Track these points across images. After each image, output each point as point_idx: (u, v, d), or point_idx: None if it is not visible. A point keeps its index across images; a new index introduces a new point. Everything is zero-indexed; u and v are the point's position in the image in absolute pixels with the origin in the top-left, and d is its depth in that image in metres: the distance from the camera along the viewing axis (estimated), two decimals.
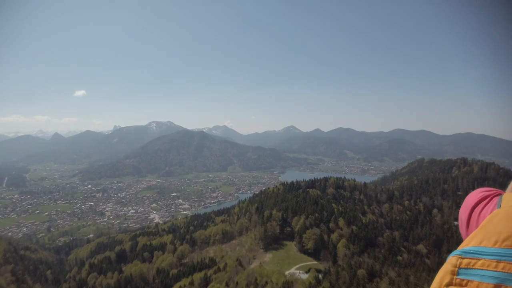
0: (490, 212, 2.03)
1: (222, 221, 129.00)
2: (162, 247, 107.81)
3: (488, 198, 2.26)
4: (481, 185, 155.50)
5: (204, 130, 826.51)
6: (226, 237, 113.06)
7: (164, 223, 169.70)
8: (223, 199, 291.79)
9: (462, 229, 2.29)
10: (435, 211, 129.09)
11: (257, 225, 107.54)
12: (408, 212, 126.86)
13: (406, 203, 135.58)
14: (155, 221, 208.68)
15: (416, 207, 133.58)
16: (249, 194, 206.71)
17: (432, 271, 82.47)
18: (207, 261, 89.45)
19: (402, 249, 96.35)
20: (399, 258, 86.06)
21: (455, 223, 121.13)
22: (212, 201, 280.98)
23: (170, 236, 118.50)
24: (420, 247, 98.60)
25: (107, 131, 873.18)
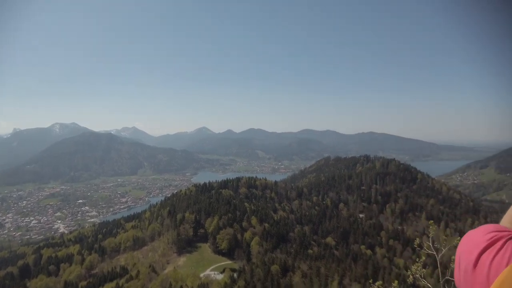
0: (507, 264, 2.20)
1: (133, 227, 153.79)
2: (69, 259, 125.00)
3: (501, 242, 2.54)
4: (382, 180, 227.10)
5: (112, 132, 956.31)
6: (138, 243, 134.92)
7: (70, 232, 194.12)
8: (133, 204, 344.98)
9: (462, 272, 2.60)
10: (341, 205, 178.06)
11: (169, 229, 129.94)
12: (316, 208, 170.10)
13: (315, 199, 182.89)
14: (60, 231, 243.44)
15: (324, 202, 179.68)
16: (160, 198, 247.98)
17: (341, 262, 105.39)
18: (118, 270, 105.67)
19: (312, 242, 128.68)
20: (310, 251, 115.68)
21: (360, 215, 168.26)
22: (122, 207, 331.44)
23: (77, 246, 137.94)
24: (329, 239, 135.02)
25: (6, 134, 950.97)
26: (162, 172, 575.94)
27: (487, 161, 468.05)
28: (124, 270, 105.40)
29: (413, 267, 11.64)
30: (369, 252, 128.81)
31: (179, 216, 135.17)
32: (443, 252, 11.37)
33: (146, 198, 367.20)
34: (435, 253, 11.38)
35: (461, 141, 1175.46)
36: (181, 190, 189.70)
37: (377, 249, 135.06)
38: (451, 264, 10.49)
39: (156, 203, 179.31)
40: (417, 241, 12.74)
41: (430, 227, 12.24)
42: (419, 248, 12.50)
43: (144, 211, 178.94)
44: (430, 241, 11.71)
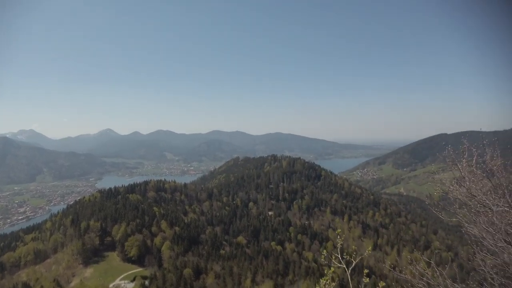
0: None
1: (33, 239, 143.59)
2: None
3: None
4: (289, 178, 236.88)
5: (8, 136, 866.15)
6: (39, 256, 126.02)
7: None
8: (32, 214, 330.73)
9: None
10: (251, 204, 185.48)
11: (73, 239, 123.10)
12: (227, 208, 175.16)
13: (225, 199, 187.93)
14: None
15: (234, 202, 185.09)
16: (62, 206, 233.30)
17: (253, 259, 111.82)
18: (20, 286, 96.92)
19: (224, 243, 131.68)
20: (222, 251, 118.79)
21: (269, 213, 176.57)
22: (20, 218, 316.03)
23: None
24: (240, 238, 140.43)
25: None
26: (64, 178, 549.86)
27: (385, 158, 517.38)
28: (27, 287, 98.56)
29: (322, 281, 10.98)
30: (279, 248, 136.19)
31: (83, 224, 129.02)
32: (353, 264, 11.34)
33: (47, 207, 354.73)
34: (344, 266, 11.37)
35: (361, 140, 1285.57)
36: (84, 197, 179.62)
37: (287, 244, 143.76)
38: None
39: (58, 212, 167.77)
40: (324, 253, 11.92)
41: (338, 236, 11.85)
42: (326, 262, 12.04)
43: (45, 221, 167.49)
44: (339, 252, 11.54)
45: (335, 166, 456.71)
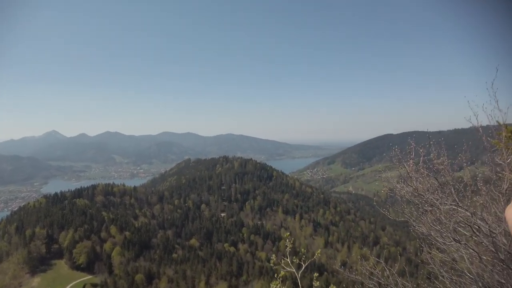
0: None
1: None
2: None
3: None
4: (241, 179, 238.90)
5: None
6: None
7: None
8: None
9: None
10: (203, 206, 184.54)
11: (19, 247, 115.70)
12: (178, 210, 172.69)
13: (176, 202, 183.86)
14: None
15: (186, 204, 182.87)
16: (6, 213, 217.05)
17: (206, 262, 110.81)
18: None
19: (177, 246, 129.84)
20: (175, 255, 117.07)
21: (222, 214, 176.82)
22: None
23: None
24: (193, 241, 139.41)
25: None
26: (6, 183, 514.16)
27: (334, 158, 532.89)
28: None
29: (272, 286, 10.80)
30: (232, 249, 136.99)
31: (28, 232, 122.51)
32: (303, 268, 11.15)
33: None
34: (294, 270, 11.13)
35: (311, 140, 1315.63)
36: (29, 203, 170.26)
37: (240, 245, 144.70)
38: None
39: (1, 219, 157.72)
40: (274, 259, 11.48)
41: (287, 240, 11.22)
42: (274, 266, 11.83)
43: None
44: (288, 257, 11.26)
45: (286, 166, 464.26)
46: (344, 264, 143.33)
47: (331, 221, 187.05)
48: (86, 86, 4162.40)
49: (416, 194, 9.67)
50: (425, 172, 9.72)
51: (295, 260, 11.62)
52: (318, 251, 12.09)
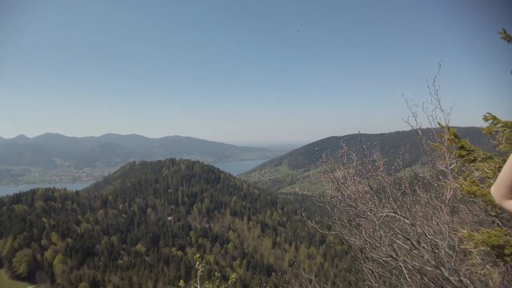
0: None
1: None
2: None
3: None
4: (188, 181, 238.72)
5: None
6: None
7: None
8: None
9: None
10: (149, 210, 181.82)
11: None
12: (123, 215, 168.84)
13: (121, 206, 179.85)
14: None
15: (131, 209, 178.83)
16: None
17: (153, 267, 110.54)
18: None
19: (122, 252, 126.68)
20: (120, 261, 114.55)
21: (169, 218, 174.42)
22: None
23: None
24: (139, 246, 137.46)
25: None
26: None
27: (280, 159, 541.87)
28: None
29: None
30: (180, 253, 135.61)
31: None
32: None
33: None
34: None
35: (258, 142, 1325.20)
36: None
37: (188, 249, 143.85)
38: None
39: None
40: (182, 284, 10.58)
41: (197, 263, 10.04)
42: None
43: None
44: (198, 282, 10.19)
45: (234, 168, 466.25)
46: (292, 264, 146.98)
47: (278, 222, 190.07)
48: (25, 85, 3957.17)
49: (349, 202, 9.00)
50: (357, 178, 9.03)
51: (207, 286, 10.71)
52: (233, 276, 10.25)
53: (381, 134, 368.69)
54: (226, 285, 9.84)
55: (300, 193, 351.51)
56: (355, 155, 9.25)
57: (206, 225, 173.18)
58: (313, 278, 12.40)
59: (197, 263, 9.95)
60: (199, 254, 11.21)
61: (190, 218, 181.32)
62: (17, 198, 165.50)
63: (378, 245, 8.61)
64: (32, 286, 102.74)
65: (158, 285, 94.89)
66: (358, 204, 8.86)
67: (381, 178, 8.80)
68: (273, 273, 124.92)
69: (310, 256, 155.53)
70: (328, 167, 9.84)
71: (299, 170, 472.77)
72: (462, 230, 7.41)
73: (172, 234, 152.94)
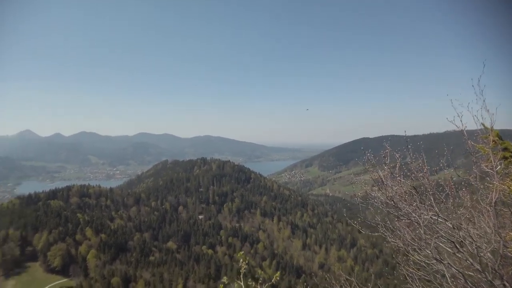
0: None
1: None
2: None
3: None
4: (219, 181, 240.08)
5: None
6: None
7: None
8: None
9: None
10: (180, 208, 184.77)
11: None
12: (155, 213, 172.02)
13: (153, 204, 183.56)
14: None
15: (163, 206, 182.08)
16: None
17: (184, 265, 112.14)
18: None
19: (154, 249, 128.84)
20: (152, 258, 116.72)
21: (200, 217, 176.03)
22: None
23: None
24: (170, 244, 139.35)
25: None
26: None
27: (311, 160, 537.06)
28: None
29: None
30: (210, 251, 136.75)
31: (1, 233, 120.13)
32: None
33: None
34: None
35: (288, 143, 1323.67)
36: (2, 204, 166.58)
37: (218, 247, 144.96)
38: None
39: None
40: (225, 280, 10.21)
41: (241, 260, 9.94)
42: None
43: None
44: (242, 279, 9.94)
45: (264, 168, 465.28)
46: (322, 266, 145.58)
47: (308, 223, 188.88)
48: (61, 85, 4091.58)
49: (391, 204, 8.86)
50: (401, 179, 8.84)
51: (250, 283, 10.08)
52: (277, 274, 9.86)
53: (414, 136, 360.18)
54: (268, 284, 10.00)
55: (331, 194, 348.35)
56: (399, 155, 9.04)
57: (236, 225, 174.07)
58: (354, 280, 11.97)
59: (241, 260, 10.00)
60: (243, 251, 11.16)
61: (221, 217, 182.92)
62: (53, 194, 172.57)
63: (421, 247, 8.48)
64: (65, 280, 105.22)
65: (189, 283, 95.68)
66: (403, 205, 8.72)
67: (425, 180, 8.60)
68: (303, 275, 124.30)
69: (341, 259, 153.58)
70: (368, 167, 9.31)
71: (330, 171, 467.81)
72: (510, 233, 7.47)
73: (202, 232, 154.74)
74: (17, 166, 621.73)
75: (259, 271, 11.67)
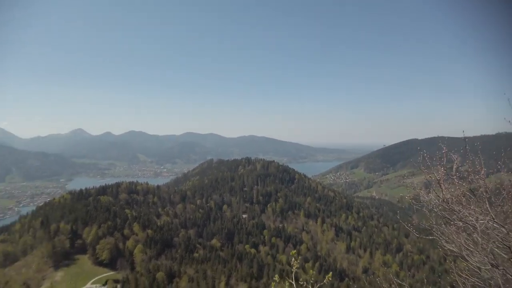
0: None
1: (2, 241, 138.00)
2: None
3: None
4: (263, 181, 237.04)
5: None
6: (9, 259, 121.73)
7: None
8: (1, 215, 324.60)
9: None
10: (225, 207, 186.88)
11: (43, 242, 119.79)
12: (200, 210, 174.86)
13: (199, 201, 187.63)
14: None
15: (208, 205, 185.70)
16: (32, 207, 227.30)
17: (227, 262, 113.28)
18: None
19: (198, 246, 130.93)
20: (196, 255, 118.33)
21: (244, 216, 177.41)
22: None
23: None
24: (214, 241, 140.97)
25: None
26: (33, 179, 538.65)
27: (357, 162, 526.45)
28: None
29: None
30: (253, 251, 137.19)
31: (53, 227, 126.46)
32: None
33: (16, 208, 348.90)
34: None
35: (334, 143, 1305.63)
36: (54, 198, 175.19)
37: (261, 247, 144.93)
38: None
39: (27, 214, 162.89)
40: (276, 279, 10.66)
41: (293, 259, 10.04)
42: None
43: (14, 223, 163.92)
44: (293, 278, 10.18)
45: (309, 169, 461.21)
46: (365, 270, 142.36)
47: (353, 226, 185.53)
48: (111, 87, 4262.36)
49: (446, 206, 8.59)
50: (457, 182, 8.55)
51: (302, 282, 10.21)
52: (329, 275, 9.74)
53: (465, 138, 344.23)
54: (321, 284, 10.07)
55: (377, 197, 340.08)
56: (456, 157, 8.87)
57: (280, 225, 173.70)
58: (406, 285, 11.49)
59: (293, 259, 10.05)
60: (295, 250, 11.10)
61: (264, 217, 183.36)
62: (103, 190, 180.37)
63: (475, 253, 8.08)
64: (112, 272, 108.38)
65: (231, 281, 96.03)
66: (459, 208, 8.32)
67: (481, 182, 8.17)
68: (346, 279, 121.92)
69: (386, 264, 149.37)
70: (423, 168, 8.73)
71: (376, 173, 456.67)
72: None
73: (246, 231, 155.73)
74: (69, 163, 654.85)
75: (303, 274, 11.16)
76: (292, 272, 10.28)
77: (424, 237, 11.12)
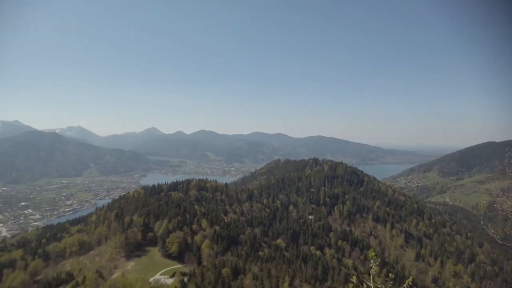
0: None
1: (79, 231, 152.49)
2: (11, 264, 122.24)
3: None
4: (330, 182, 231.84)
5: (57, 131, 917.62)
6: (84, 248, 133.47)
7: (13, 236, 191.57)
8: (79, 206, 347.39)
9: None
10: (291, 207, 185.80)
11: (117, 233, 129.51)
12: (267, 209, 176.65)
13: (265, 201, 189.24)
14: (2, 235, 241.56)
15: (274, 204, 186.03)
16: (107, 200, 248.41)
17: (291, 263, 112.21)
18: (63, 276, 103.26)
19: (263, 244, 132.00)
20: (261, 253, 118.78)
21: (310, 217, 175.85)
22: (67, 210, 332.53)
23: (20, 251, 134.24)
24: (279, 241, 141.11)
25: None
26: (109, 174, 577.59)
27: (430, 165, 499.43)
28: (70, 276, 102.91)
29: None
30: (318, 253, 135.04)
31: (127, 219, 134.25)
32: None
33: (93, 201, 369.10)
34: None
35: (404, 145, 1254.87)
36: (129, 193, 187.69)
37: (326, 250, 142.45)
38: None
39: (103, 206, 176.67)
40: (354, 280, 10.44)
41: (372, 261, 10.10)
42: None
43: (90, 214, 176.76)
44: (371, 280, 10.31)
45: (378, 171, 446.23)
46: (435, 280, 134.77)
47: (424, 233, 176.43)
48: (184, 88, 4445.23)
49: None
50: None
51: (379, 286, 10.25)
52: (410, 279, 9.99)
53: None
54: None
55: (450, 203, 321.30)
56: None
57: (347, 228, 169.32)
58: None
59: (371, 261, 10.00)
60: (374, 252, 10.56)
61: (331, 219, 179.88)
62: (174, 186, 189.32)
63: None
64: (180, 265, 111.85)
65: (295, 281, 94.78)
66: None
67: None
68: (414, 287, 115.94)
69: (457, 274, 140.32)
70: (487, 175, 7.72)
71: (451, 178, 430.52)
72: None
73: (312, 233, 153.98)
74: (143, 159, 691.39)
75: (371, 280, 10.48)
76: (370, 274, 10.17)
77: (508, 244, 9.90)
